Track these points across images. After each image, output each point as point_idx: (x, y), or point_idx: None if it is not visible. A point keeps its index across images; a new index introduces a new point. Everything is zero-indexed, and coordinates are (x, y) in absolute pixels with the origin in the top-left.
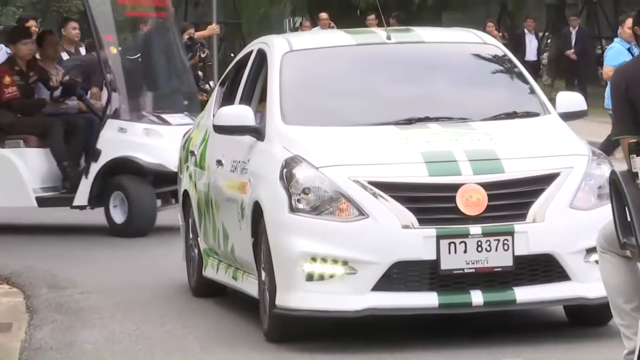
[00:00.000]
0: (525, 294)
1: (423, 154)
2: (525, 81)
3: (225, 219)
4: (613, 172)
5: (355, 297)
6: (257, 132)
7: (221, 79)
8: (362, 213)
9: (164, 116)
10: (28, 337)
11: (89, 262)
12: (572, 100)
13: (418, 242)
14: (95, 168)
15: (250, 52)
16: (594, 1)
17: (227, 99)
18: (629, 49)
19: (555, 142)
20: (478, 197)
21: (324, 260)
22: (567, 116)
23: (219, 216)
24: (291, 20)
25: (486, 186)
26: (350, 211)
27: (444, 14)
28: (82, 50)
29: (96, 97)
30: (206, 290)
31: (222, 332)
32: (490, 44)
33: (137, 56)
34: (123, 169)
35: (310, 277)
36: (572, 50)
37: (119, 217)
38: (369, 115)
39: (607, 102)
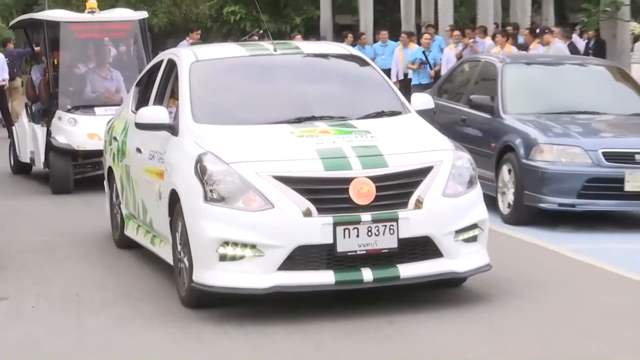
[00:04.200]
0: (407, 270)
1: (318, 151)
2: (386, 85)
3: (144, 196)
4: None
5: (263, 276)
6: (172, 129)
7: (137, 81)
8: (268, 203)
9: (96, 109)
10: None
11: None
12: (423, 100)
13: (317, 228)
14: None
15: (161, 61)
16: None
17: (142, 97)
18: (423, 52)
19: (425, 138)
20: (368, 188)
21: (235, 244)
22: (420, 113)
23: (138, 192)
24: None
25: (374, 179)
26: (257, 202)
27: (222, 39)
28: None
29: None
30: (128, 243)
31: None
32: (355, 54)
33: (79, 65)
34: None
35: (223, 258)
36: None
37: None
38: (264, 115)
39: None
